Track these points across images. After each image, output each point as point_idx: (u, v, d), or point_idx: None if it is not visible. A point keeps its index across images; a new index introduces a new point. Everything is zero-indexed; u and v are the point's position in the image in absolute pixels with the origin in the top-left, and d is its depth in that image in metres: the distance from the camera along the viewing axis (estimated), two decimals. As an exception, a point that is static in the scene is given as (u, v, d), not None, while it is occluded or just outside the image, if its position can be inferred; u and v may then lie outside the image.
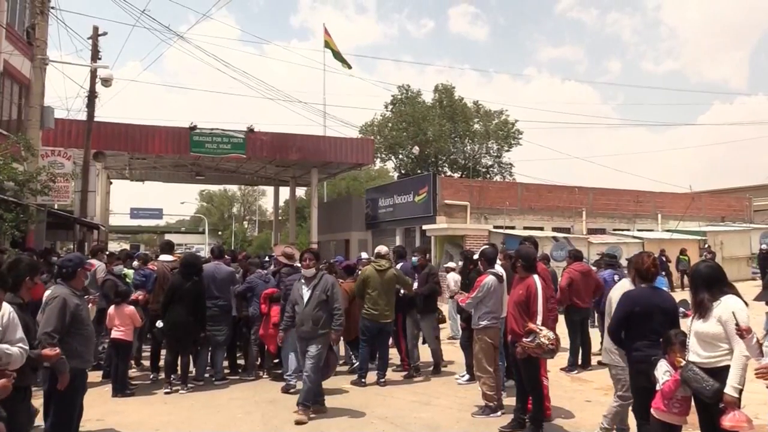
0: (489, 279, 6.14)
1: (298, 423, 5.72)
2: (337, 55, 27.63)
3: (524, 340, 5.19)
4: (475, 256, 7.47)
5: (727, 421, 3.51)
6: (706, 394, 3.63)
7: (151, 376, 7.67)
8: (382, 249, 8.06)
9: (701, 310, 3.79)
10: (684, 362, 3.83)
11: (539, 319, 5.27)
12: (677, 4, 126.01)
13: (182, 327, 7.03)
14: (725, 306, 3.70)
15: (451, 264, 11.35)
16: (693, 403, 3.97)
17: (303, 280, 6.34)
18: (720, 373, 3.63)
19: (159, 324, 7.23)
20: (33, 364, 3.73)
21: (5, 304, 3.42)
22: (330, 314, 6.16)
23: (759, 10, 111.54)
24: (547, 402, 5.90)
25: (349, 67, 28.13)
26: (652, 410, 4.03)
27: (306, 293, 6.19)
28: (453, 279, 10.00)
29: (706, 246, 19.89)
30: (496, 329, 6.12)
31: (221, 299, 7.66)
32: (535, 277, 5.48)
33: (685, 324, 4.09)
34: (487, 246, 6.96)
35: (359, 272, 8.24)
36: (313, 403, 6.04)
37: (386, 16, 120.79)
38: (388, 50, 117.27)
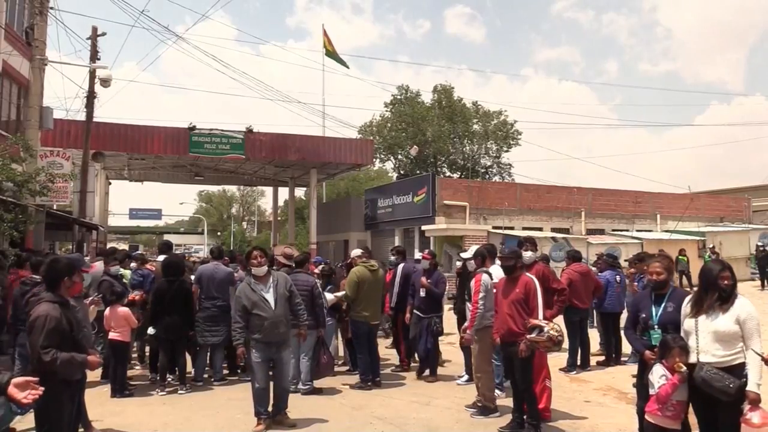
0: (485, 277, 6.14)
1: (291, 427, 5.77)
2: (333, 55, 27.70)
3: (529, 336, 5.16)
4: (464, 254, 7.48)
5: (757, 418, 3.48)
6: (731, 392, 3.60)
7: (150, 377, 7.66)
8: (358, 251, 8.05)
9: (726, 306, 3.81)
10: (684, 367, 3.81)
11: (540, 313, 5.28)
12: (673, 5, 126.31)
13: (175, 329, 7.05)
14: (741, 306, 3.79)
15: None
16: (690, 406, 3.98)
17: (254, 281, 5.85)
18: (735, 371, 3.68)
19: (150, 331, 7.26)
20: (82, 367, 3.84)
21: None
22: (291, 311, 5.95)
23: (755, 11, 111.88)
24: (548, 404, 5.90)
25: (347, 66, 28.30)
26: (646, 414, 4.03)
27: (269, 294, 5.77)
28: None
29: (711, 246, 19.92)
30: (496, 327, 6.12)
31: (220, 299, 7.66)
32: (528, 274, 5.52)
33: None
34: (480, 246, 6.96)
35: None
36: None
37: (382, 17, 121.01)
38: (385, 51, 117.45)
